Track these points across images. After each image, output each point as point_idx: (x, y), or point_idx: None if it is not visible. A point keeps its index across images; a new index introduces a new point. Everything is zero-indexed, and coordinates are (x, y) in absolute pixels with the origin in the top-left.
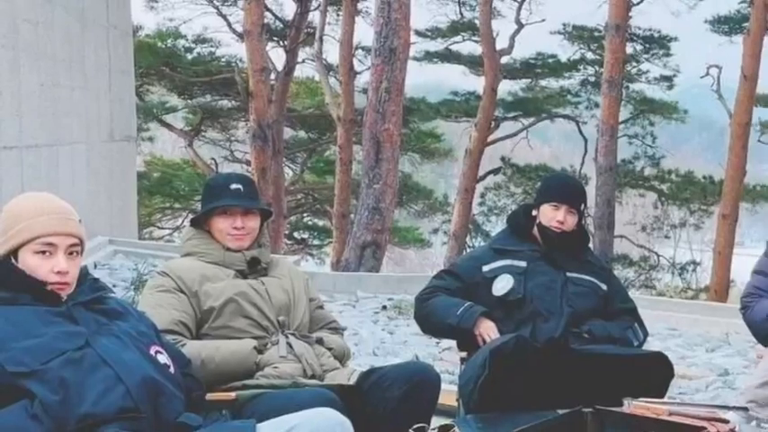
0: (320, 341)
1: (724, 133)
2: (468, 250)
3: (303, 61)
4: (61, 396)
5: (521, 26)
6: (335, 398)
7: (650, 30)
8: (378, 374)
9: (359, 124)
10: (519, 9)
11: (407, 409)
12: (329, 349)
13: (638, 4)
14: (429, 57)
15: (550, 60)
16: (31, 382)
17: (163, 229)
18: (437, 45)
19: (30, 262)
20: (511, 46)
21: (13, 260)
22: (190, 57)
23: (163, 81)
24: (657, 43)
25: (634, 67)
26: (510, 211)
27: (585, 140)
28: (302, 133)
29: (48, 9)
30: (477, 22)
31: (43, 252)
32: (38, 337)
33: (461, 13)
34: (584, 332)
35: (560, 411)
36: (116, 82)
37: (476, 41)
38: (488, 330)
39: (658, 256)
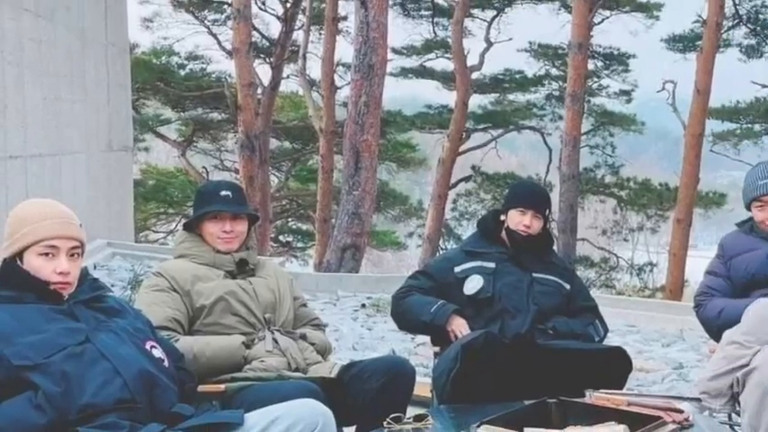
0: (304, 337)
1: (679, 144)
2: (441, 252)
3: (288, 77)
4: (63, 388)
5: (490, 44)
6: (318, 389)
7: (610, 48)
8: (357, 368)
9: (339, 135)
10: (488, 28)
11: (385, 399)
12: (312, 344)
13: (599, 23)
14: (405, 73)
15: (517, 76)
16: (35, 374)
17: (157, 232)
18: (412, 62)
19: (34, 263)
20: (481, 63)
21: (19, 261)
22: (183, 73)
23: (157, 95)
24: (617, 60)
25: (595, 82)
26: (480, 216)
27: (550, 150)
28: (287, 144)
29: (50, 28)
30: (449, 40)
31: (46, 254)
32: (41, 333)
33: (435, 33)
34: (548, 328)
35: (527, 402)
36: (114, 96)
37: (448, 58)
38: (460, 327)
39: (618, 257)
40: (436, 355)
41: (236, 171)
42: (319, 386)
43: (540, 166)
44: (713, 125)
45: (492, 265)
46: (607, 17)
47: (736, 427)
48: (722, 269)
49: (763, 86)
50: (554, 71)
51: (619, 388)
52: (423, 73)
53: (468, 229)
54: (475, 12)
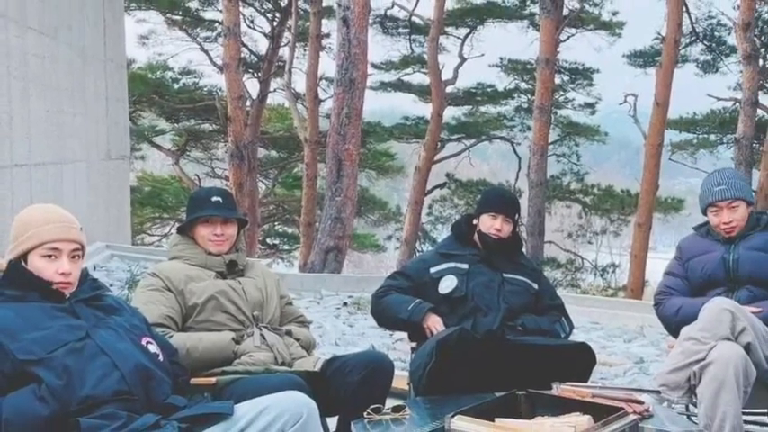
0: (289, 333)
1: (639, 153)
2: (418, 254)
3: (274, 90)
4: (65, 381)
5: (463, 60)
6: (303, 382)
7: (575, 63)
8: (339, 362)
9: (323, 145)
10: (462, 45)
11: (365, 391)
12: (297, 340)
13: (565, 40)
14: (384, 86)
15: (489, 89)
16: (38, 368)
17: (153, 235)
18: (391, 76)
19: (37, 264)
20: (455, 77)
21: (24, 263)
22: (176, 86)
23: (153, 107)
24: (582, 75)
25: (561, 95)
26: (454, 221)
27: (519, 159)
28: (274, 153)
29: (53, 45)
30: (425, 56)
31: (49, 256)
32: (44, 329)
33: (412, 49)
34: (518, 325)
35: (497, 394)
36: (112, 108)
37: (424, 73)
38: (435, 324)
39: (582, 259)
40: (413, 350)
41: (227, 178)
42: (304, 379)
43: (510, 174)
44: (672, 135)
45: (465, 266)
46: (572, 35)
47: (693, 418)
48: (680, 270)
49: (719, 99)
50: (523, 85)
51: (583, 381)
52: (400, 87)
53: (442, 233)
54: (449, 29)
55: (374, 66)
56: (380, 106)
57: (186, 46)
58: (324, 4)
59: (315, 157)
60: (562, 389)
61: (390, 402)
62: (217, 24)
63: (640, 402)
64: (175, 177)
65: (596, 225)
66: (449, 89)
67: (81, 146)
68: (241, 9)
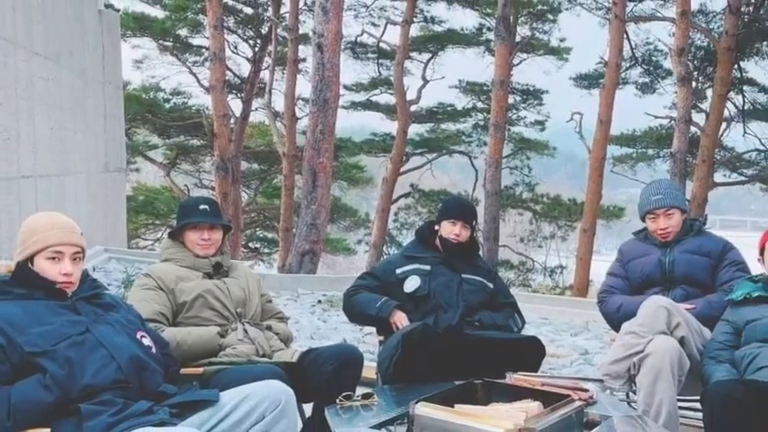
0: (269, 328)
1: (584, 165)
2: (385, 257)
3: (256, 109)
4: (67, 371)
5: (426, 82)
6: (282, 372)
7: (527, 85)
8: (314, 354)
9: (299, 158)
10: (425, 68)
11: (337, 380)
12: (276, 334)
13: (517, 64)
14: (354, 105)
15: (449, 108)
16: (43, 359)
17: (146, 240)
18: (361, 96)
19: (42, 266)
20: (418, 97)
21: (30, 264)
22: (167, 106)
23: (146, 125)
24: (533, 95)
25: (514, 113)
26: (417, 227)
27: (476, 171)
28: (255, 165)
29: (56, 69)
30: (391, 78)
31: (53, 258)
32: (49, 324)
33: (379, 72)
34: (475, 321)
35: (457, 383)
36: (110, 125)
37: (391, 94)
38: (400, 319)
39: (533, 261)
40: (381, 343)
41: (213, 188)
42: (283, 369)
43: (468, 185)
44: (613, 150)
45: (428, 267)
46: (524, 59)
47: (632, 404)
48: (621, 271)
49: (656, 117)
50: (480, 104)
51: (534, 371)
52: (369, 106)
53: (407, 237)
54: (413, 54)
55: (346, 87)
56: (351, 124)
57: (176, 69)
58: (300, 32)
59: (292, 169)
60: (515, 378)
61: (360, 390)
62: (204, 50)
63: (585, 390)
64: (167, 188)
65: (546, 230)
66: (413, 108)
67: (81, 159)
68: (226, 36)
